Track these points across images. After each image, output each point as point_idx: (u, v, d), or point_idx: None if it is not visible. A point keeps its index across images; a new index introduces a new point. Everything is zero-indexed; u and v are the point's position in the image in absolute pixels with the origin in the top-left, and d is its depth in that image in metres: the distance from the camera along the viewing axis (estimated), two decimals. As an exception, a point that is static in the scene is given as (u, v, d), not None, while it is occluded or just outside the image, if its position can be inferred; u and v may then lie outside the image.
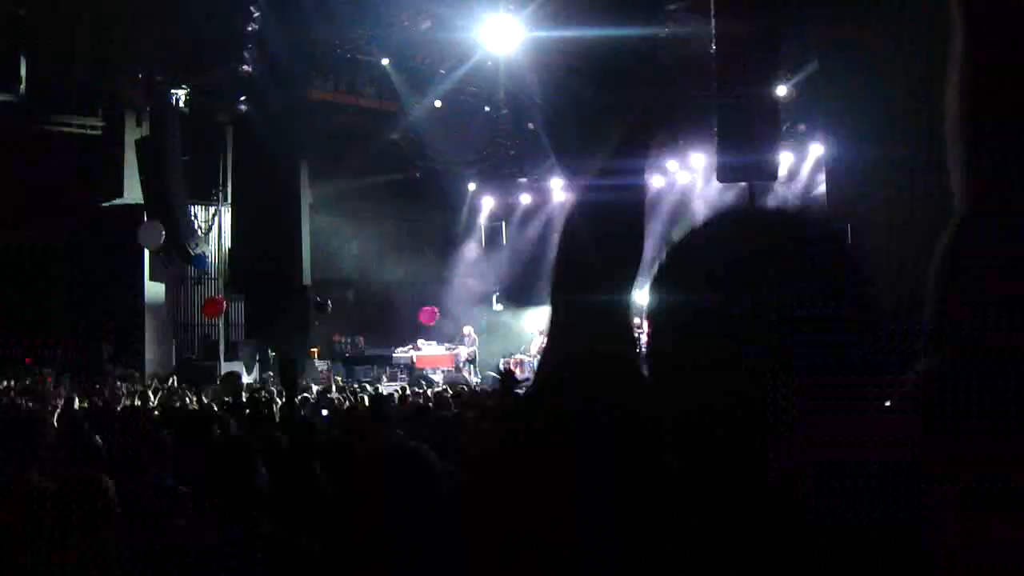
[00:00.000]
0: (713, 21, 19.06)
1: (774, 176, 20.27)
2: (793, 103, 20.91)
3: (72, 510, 3.68)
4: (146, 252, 21.07)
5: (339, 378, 21.86)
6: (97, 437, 5.98)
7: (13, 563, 3.73)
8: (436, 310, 25.97)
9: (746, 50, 18.44)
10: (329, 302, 23.43)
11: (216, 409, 10.27)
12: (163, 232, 19.77)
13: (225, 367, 20.55)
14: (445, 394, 13.38)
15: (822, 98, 19.64)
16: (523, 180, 28.31)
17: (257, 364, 22.36)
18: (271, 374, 20.40)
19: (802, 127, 21.90)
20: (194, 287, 23.55)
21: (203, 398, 13.87)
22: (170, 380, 17.29)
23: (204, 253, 22.64)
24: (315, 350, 23.86)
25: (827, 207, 20.02)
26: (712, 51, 19.46)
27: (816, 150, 22.24)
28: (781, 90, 20.22)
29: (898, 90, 16.04)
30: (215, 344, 23.11)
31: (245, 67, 21.31)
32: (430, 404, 11.43)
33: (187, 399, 13.40)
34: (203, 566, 2.59)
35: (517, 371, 23.70)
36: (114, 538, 3.58)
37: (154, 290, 21.90)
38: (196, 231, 22.07)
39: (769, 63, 19.09)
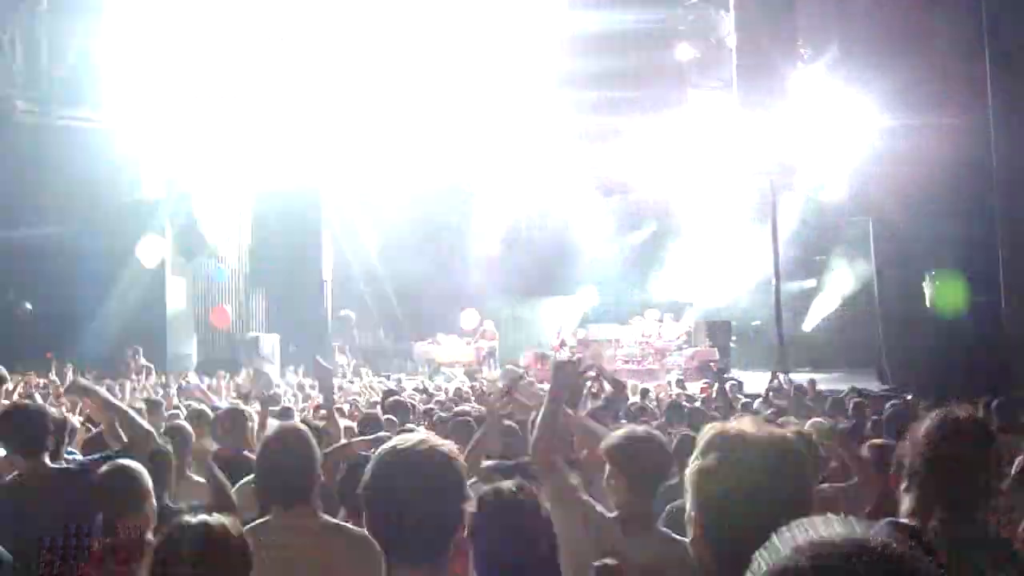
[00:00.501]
0: (732, 11, 19.10)
1: (795, 169, 20.26)
2: (814, 91, 20.76)
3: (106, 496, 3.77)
4: (167, 246, 21.17)
5: (366, 370, 21.94)
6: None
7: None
8: (477, 313, 25.62)
9: (765, 38, 18.49)
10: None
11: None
12: (161, 251, 19.71)
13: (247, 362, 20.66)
14: (462, 390, 13.38)
15: (843, 80, 19.49)
16: (542, 172, 28.28)
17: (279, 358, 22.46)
18: (291, 368, 20.50)
19: (823, 118, 21.69)
20: (214, 283, 23.58)
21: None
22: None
23: (221, 267, 22.74)
24: (335, 345, 23.95)
25: (849, 200, 19.96)
26: (731, 42, 19.52)
27: (839, 142, 22.05)
28: (801, 80, 20.15)
29: (927, 68, 15.96)
30: (237, 339, 23.20)
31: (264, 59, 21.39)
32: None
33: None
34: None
35: (539, 365, 23.69)
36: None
37: (175, 285, 22.01)
38: (214, 227, 22.09)
39: (788, 49, 19.13)
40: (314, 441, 3.55)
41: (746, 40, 18.61)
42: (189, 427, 6.08)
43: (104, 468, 3.87)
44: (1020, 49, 15.86)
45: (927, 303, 16.96)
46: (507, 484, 2.85)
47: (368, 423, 6.90)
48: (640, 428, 3.92)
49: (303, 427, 3.80)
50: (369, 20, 21.61)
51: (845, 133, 20.58)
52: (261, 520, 3.38)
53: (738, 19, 18.81)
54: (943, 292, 16.65)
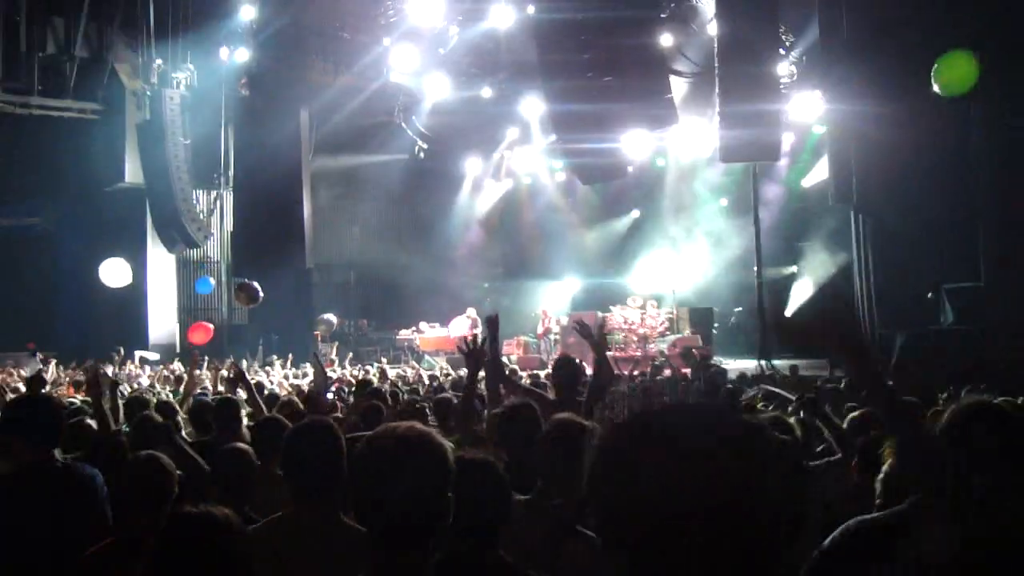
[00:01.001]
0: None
1: (776, 156, 20.25)
2: (795, 78, 20.77)
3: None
4: (148, 235, 21.04)
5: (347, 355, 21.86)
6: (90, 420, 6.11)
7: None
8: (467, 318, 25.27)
9: (747, 25, 18.42)
10: None
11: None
12: (130, 270, 19.42)
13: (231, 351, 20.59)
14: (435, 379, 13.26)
15: (824, 68, 19.46)
16: (525, 159, 28.44)
17: (260, 348, 22.44)
18: (275, 357, 20.41)
19: (804, 104, 21.70)
20: (197, 271, 23.52)
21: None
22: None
23: (208, 278, 22.59)
24: (319, 333, 23.88)
25: (832, 187, 19.96)
26: (712, 28, 19.48)
27: (819, 129, 22.10)
28: (783, 67, 20.14)
29: (908, 56, 15.83)
30: (218, 328, 23.01)
31: (245, 49, 21.28)
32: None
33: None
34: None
35: (519, 352, 23.65)
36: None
37: (157, 275, 21.89)
38: (197, 215, 21.95)
39: (770, 37, 19.08)
40: (342, 436, 3.44)
41: (728, 27, 18.54)
42: (159, 418, 5.89)
43: (136, 456, 3.81)
44: (1000, 34, 15.87)
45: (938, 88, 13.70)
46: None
47: (370, 414, 6.82)
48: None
49: (331, 421, 3.72)
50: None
51: (827, 120, 20.67)
52: (276, 516, 3.33)
53: (720, 6, 18.75)
54: (950, 70, 13.59)
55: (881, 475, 3.61)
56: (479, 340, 5.60)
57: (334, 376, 15.40)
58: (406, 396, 9.44)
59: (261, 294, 18.09)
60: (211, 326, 19.15)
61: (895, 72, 16.69)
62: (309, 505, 3.26)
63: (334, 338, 24.16)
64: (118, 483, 3.84)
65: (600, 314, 22.50)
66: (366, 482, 2.30)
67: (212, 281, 22.60)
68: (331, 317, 23.94)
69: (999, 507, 2.37)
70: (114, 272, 18.95)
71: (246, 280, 18.41)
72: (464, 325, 23.35)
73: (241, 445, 4.62)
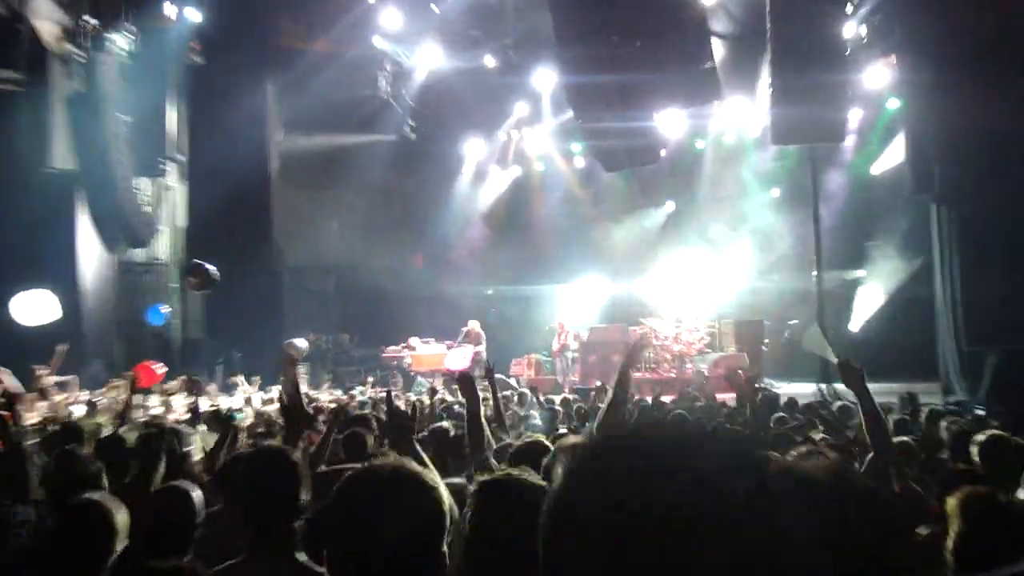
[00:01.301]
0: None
1: (840, 137, 19.79)
2: (865, 42, 20.36)
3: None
4: (78, 231, 20.55)
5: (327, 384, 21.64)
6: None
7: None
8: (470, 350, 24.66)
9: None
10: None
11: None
12: (57, 303, 18.35)
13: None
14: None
15: (901, 28, 19.02)
16: (536, 141, 28.14)
17: (220, 367, 21.88)
18: (240, 378, 19.96)
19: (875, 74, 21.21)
20: (142, 276, 22.99)
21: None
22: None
23: (162, 309, 22.06)
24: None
25: (909, 175, 19.60)
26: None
27: (893, 103, 21.71)
28: (850, 28, 19.70)
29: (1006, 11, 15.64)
30: (169, 344, 22.49)
31: (197, 7, 20.84)
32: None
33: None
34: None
35: (531, 373, 23.18)
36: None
37: (91, 280, 21.35)
38: (141, 208, 21.36)
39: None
40: (302, 467, 3.55)
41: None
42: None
43: (74, 503, 3.90)
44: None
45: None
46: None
47: (353, 442, 6.89)
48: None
49: (289, 449, 3.84)
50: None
51: (903, 92, 19.90)
52: (229, 564, 3.33)
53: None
54: None
55: (950, 543, 3.69)
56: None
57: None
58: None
59: (217, 276, 17.40)
60: (160, 369, 18.27)
61: (989, 32, 16.22)
62: (264, 544, 3.33)
63: (307, 358, 23.80)
64: (51, 534, 3.92)
65: (637, 329, 22.22)
66: (342, 529, 2.33)
67: (165, 309, 22.12)
68: (301, 342, 23.41)
69: None
70: (33, 307, 17.57)
71: (197, 261, 17.71)
72: (463, 356, 22.84)
73: (182, 484, 4.64)
